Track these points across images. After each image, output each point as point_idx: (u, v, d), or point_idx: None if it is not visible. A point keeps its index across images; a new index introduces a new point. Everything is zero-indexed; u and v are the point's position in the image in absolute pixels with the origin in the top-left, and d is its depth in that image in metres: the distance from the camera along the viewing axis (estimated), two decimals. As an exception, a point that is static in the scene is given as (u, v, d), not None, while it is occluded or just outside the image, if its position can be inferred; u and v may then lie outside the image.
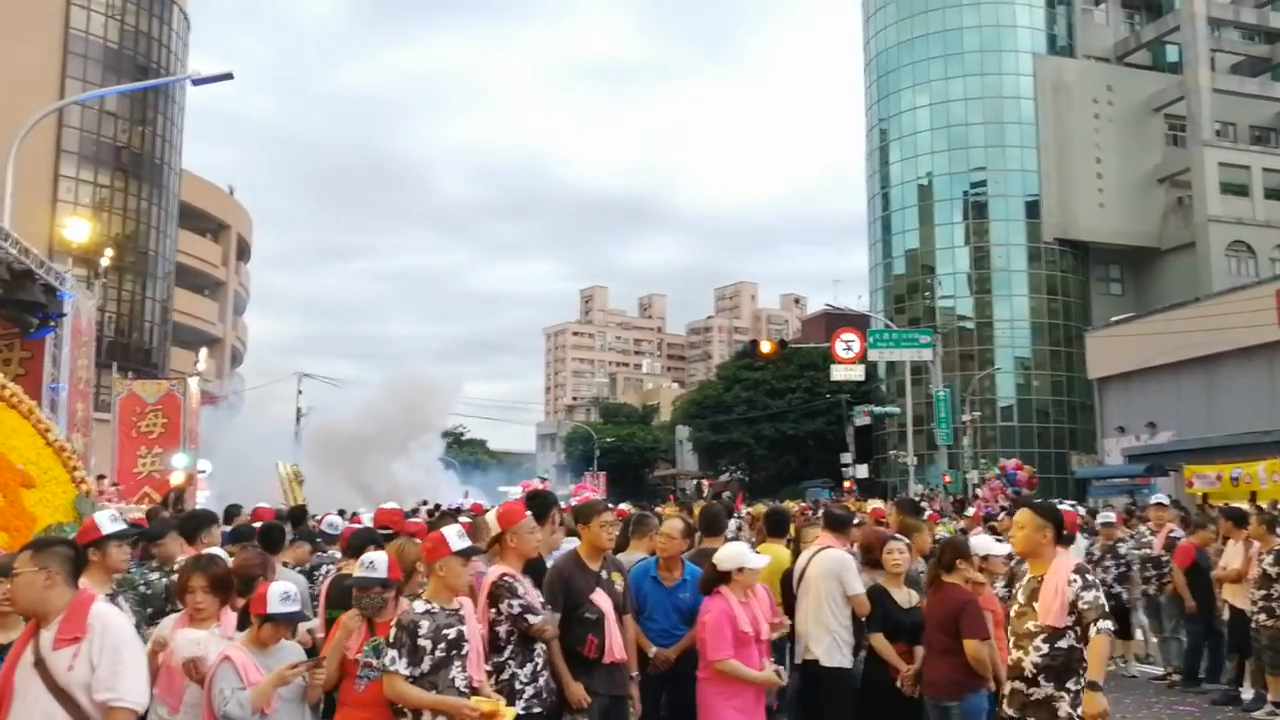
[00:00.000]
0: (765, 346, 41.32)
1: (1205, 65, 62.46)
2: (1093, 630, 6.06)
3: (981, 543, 8.57)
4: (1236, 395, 45.88)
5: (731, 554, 7.31)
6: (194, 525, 8.58)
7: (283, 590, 5.68)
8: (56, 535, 5.42)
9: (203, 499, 29.60)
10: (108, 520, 6.12)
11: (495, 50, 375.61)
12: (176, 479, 26.11)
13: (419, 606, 5.66)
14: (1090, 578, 6.29)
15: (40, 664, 4.55)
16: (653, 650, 7.61)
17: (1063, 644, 6.18)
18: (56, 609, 4.62)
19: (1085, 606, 6.10)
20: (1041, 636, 6.24)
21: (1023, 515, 6.59)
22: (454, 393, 61.61)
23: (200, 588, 5.81)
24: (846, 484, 54.44)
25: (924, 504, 30.17)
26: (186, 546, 8.16)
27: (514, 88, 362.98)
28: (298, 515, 13.49)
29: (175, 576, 7.75)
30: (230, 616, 5.91)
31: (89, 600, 4.72)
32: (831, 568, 8.06)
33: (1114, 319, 57.04)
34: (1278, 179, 61.20)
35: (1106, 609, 6.17)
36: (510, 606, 6.22)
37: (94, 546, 5.83)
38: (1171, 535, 14.11)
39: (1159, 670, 14.18)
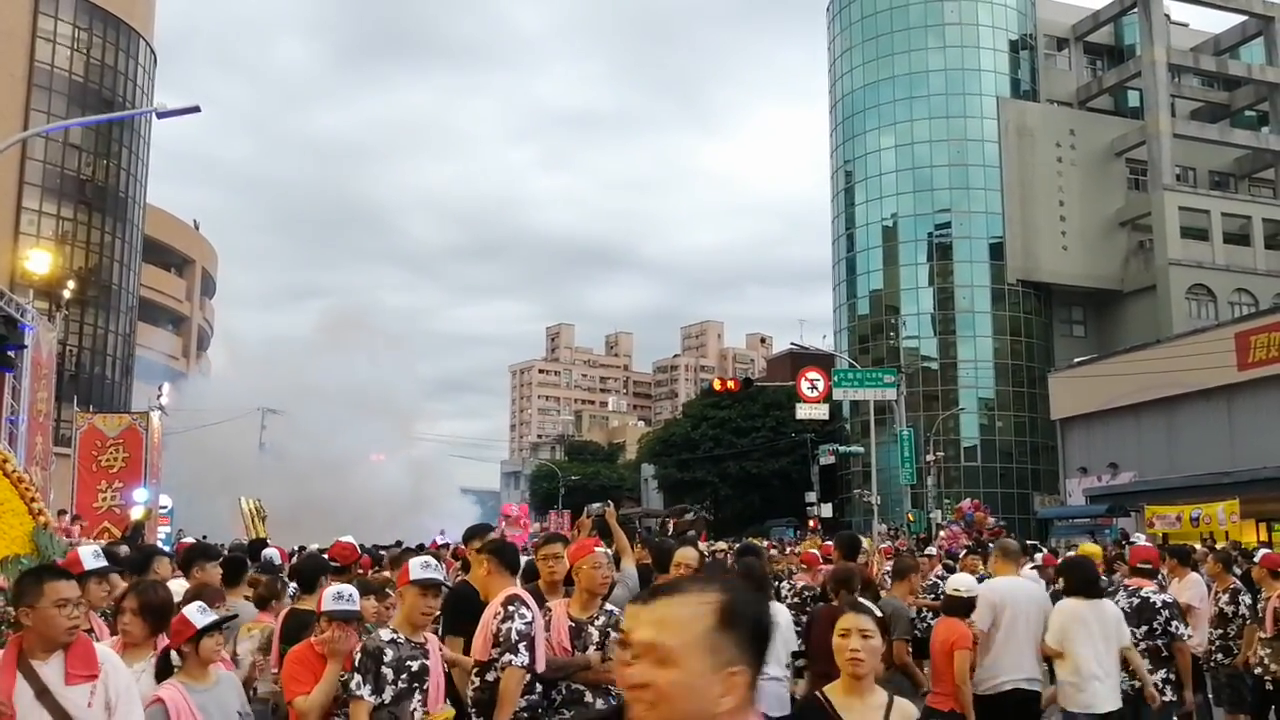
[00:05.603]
0: (728, 384, 41.38)
1: (1166, 111, 63.17)
2: None
3: (963, 581, 8.52)
4: (1196, 436, 46.22)
5: None
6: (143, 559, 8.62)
7: (198, 605, 5.46)
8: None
9: (163, 534, 29.39)
10: (91, 556, 6.11)
11: (466, 96, 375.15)
12: (137, 514, 25.90)
13: (384, 634, 5.66)
14: None
15: (46, 696, 4.51)
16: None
17: None
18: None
19: None
20: None
21: None
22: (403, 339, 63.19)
23: (130, 609, 5.55)
24: (811, 523, 54.35)
25: (889, 541, 30.23)
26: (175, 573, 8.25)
27: (484, 133, 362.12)
28: (256, 548, 13.47)
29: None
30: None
31: (87, 637, 4.81)
32: None
33: (1076, 360, 57.38)
34: (1236, 224, 61.96)
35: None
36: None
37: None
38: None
39: None
